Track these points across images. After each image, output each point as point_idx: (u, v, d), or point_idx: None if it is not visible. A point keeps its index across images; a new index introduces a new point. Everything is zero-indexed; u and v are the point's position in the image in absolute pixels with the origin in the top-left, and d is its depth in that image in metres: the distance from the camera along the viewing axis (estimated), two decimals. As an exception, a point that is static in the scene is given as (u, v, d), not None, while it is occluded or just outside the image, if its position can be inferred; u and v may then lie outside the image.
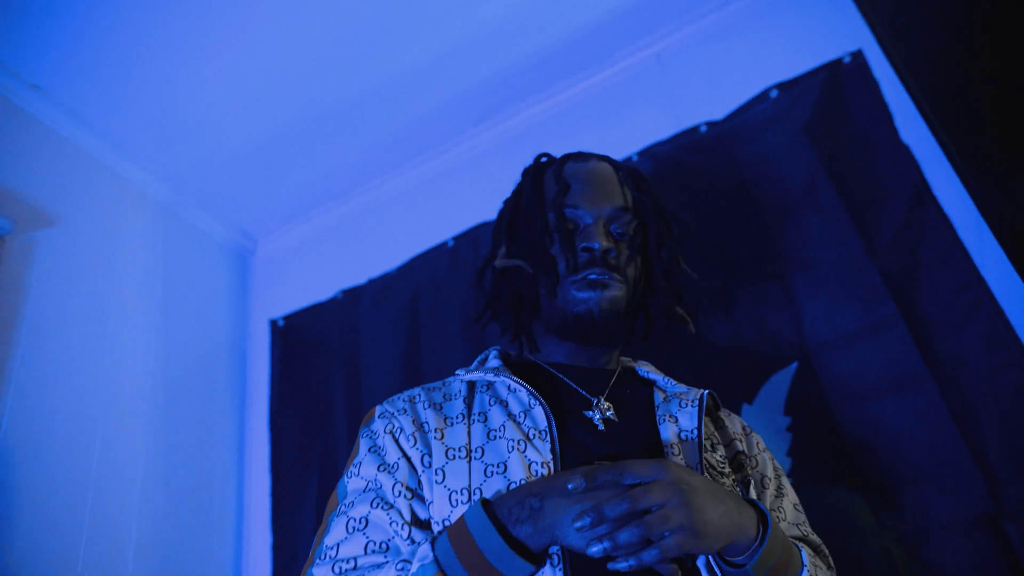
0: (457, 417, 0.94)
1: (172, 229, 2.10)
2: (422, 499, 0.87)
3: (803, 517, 1.00)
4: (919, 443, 1.28)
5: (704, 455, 0.90)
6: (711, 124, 1.71)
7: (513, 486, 0.83)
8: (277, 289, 2.30)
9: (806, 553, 0.85)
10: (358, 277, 2.12)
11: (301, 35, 1.75)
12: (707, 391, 0.99)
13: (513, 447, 0.87)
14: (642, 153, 1.77)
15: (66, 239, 1.73)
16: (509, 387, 0.96)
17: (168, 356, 1.93)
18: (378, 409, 0.98)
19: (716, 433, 1.01)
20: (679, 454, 0.90)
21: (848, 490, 1.31)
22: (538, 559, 0.76)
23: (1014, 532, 1.17)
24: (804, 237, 1.53)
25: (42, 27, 1.60)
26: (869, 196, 1.49)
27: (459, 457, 0.89)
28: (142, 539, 1.65)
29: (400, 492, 0.88)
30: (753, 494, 0.95)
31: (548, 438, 0.88)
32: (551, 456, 0.86)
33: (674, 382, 1.04)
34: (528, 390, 0.93)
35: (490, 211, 1.78)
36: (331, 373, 2.04)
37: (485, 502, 0.79)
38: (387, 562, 0.81)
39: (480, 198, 1.86)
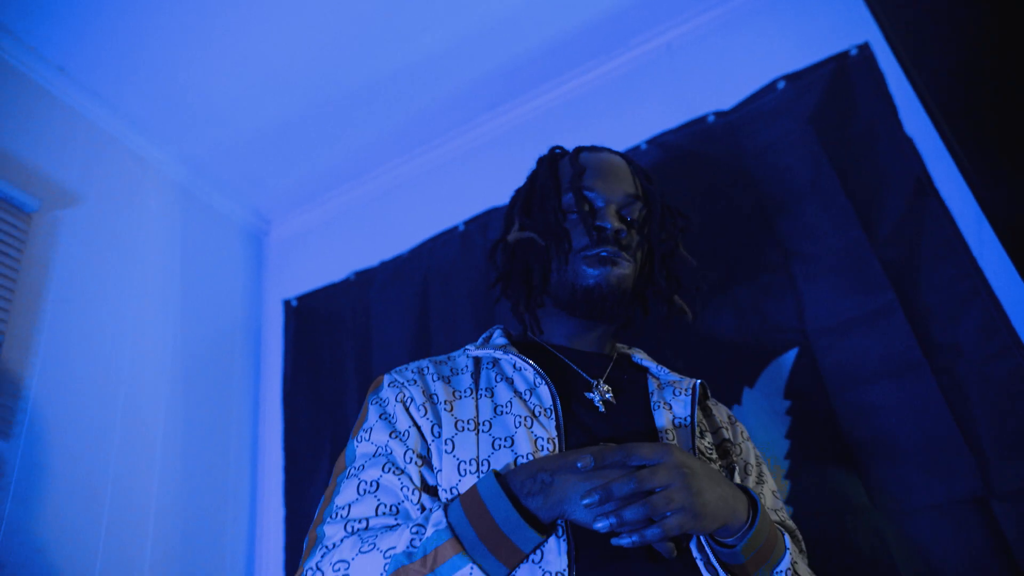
0: (465, 391, 0.98)
1: (190, 210, 2.16)
2: (431, 467, 0.91)
3: (780, 503, 1.05)
4: (914, 427, 1.32)
5: (696, 441, 0.96)
6: (719, 114, 1.74)
7: (520, 459, 0.87)
8: (291, 270, 2.35)
9: (788, 539, 0.90)
10: (370, 259, 2.16)
11: (318, 22, 1.79)
12: (699, 381, 1.05)
13: (520, 423, 0.91)
14: (651, 142, 1.80)
15: (89, 218, 1.78)
16: (515, 365, 1.00)
17: (186, 333, 1.99)
18: (386, 378, 1.01)
19: (704, 421, 1.06)
20: (673, 439, 0.95)
21: (844, 471, 1.35)
22: (546, 531, 0.80)
23: (1003, 513, 1.21)
24: (807, 226, 1.56)
25: (69, 11, 1.65)
26: (872, 187, 1.52)
27: (468, 429, 0.92)
28: (160, 508, 1.72)
29: (411, 459, 0.91)
30: (736, 480, 0.99)
31: (553, 416, 0.92)
32: (556, 433, 0.91)
33: (667, 370, 1.09)
34: (535, 369, 0.97)
35: (500, 197, 1.83)
36: (343, 352, 2.09)
37: (497, 474, 0.83)
38: (398, 524, 0.84)
39: (490, 184, 1.91)
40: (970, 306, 1.35)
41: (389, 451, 0.92)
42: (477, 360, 1.05)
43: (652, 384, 1.06)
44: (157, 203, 2.04)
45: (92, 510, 1.55)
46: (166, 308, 1.95)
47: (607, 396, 1.00)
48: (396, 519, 0.86)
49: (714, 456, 0.99)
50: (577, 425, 0.94)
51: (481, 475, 0.86)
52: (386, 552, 0.79)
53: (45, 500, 1.46)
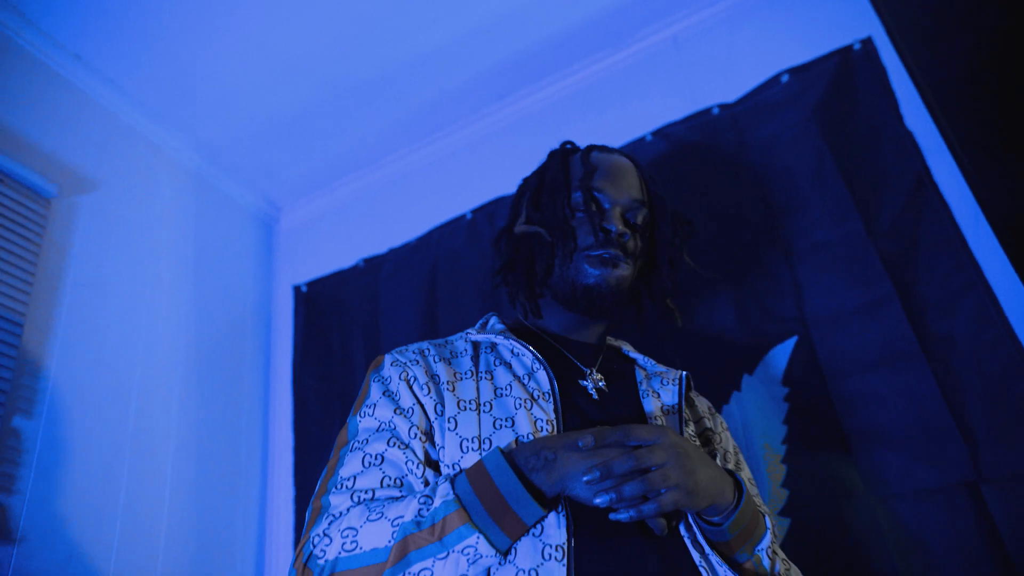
0: (466, 373, 1.03)
1: (203, 196, 2.20)
2: (433, 443, 0.95)
3: (755, 490, 1.10)
4: (908, 414, 1.36)
5: (683, 428, 1.01)
6: (723, 106, 1.77)
7: (521, 439, 0.91)
8: (300, 256, 2.39)
9: (769, 520, 0.96)
10: (379, 247, 2.20)
11: (330, 12, 1.81)
12: (685, 372, 1.11)
13: (520, 404, 0.96)
14: (656, 133, 1.83)
15: (105, 204, 1.82)
16: (513, 350, 1.05)
17: (199, 316, 2.04)
18: (388, 357, 1.04)
19: (688, 411, 1.12)
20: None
21: (839, 455, 1.39)
22: (548, 505, 0.85)
23: (992, 497, 1.25)
24: (808, 218, 1.59)
25: (86, 0, 1.68)
26: (872, 180, 1.55)
27: (470, 409, 0.97)
28: (175, 485, 1.77)
29: (415, 434, 0.94)
30: None
31: (551, 399, 0.97)
32: (554, 415, 0.95)
33: (653, 362, 1.16)
34: (533, 354, 1.02)
35: (507, 186, 1.86)
36: (351, 337, 2.13)
37: (502, 451, 0.87)
38: (404, 496, 0.87)
39: (498, 173, 1.94)
40: (965, 298, 1.39)
41: (393, 427, 0.95)
42: (476, 344, 1.09)
43: (640, 375, 1.12)
44: (170, 189, 2.08)
45: (110, 485, 1.60)
46: (179, 292, 2.00)
47: (600, 384, 1.05)
48: (400, 491, 0.89)
49: (697, 443, 1.05)
50: (573, 409, 0.99)
51: (483, 452, 0.90)
52: (394, 520, 0.83)
53: (66, 475, 1.51)
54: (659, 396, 1.06)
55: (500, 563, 0.83)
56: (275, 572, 1.93)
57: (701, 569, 0.88)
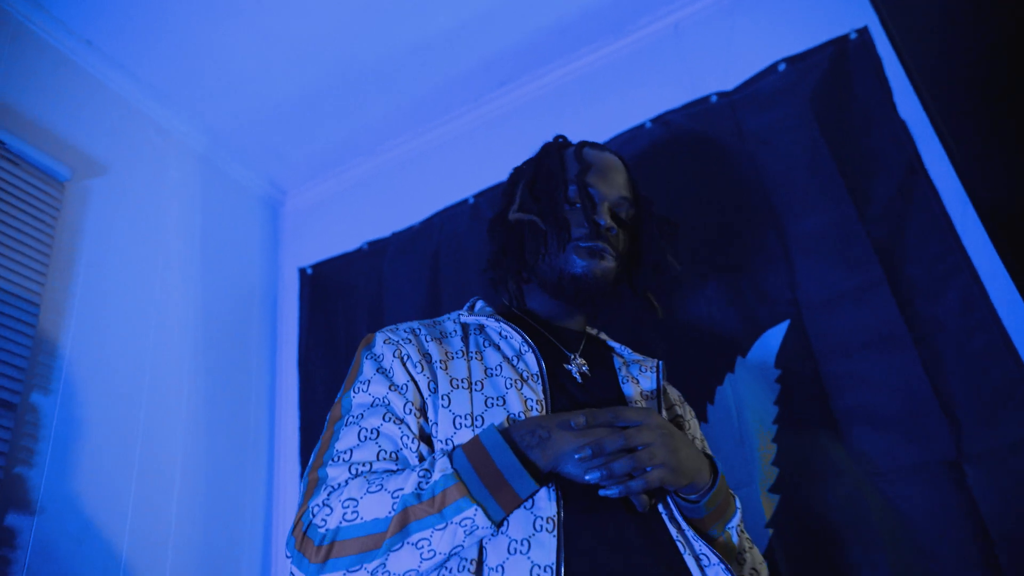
0: (457, 352, 1.07)
1: (210, 179, 2.24)
2: (426, 419, 0.99)
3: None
4: (894, 394, 1.40)
5: (661, 412, 1.08)
6: (721, 94, 1.80)
7: (512, 416, 0.96)
8: (306, 239, 2.43)
9: (738, 501, 1.05)
10: (383, 230, 2.24)
11: (336, -1, 1.85)
12: (660, 361, 1.17)
13: (511, 384, 1.00)
14: (655, 120, 1.87)
15: (116, 187, 1.87)
16: (501, 333, 1.10)
17: (207, 297, 2.09)
18: (379, 335, 1.07)
19: (662, 398, 1.18)
20: None
21: (827, 434, 1.44)
22: (541, 481, 0.89)
23: (972, 475, 1.30)
24: (803, 204, 1.63)
25: (97, -14, 1.72)
26: (865, 167, 1.59)
27: (462, 387, 1.00)
28: (186, 460, 1.83)
29: (411, 410, 0.97)
30: None
31: (540, 381, 1.02)
32: (543, 396, 1.00)
33: (630, 350, 1.22)
34: (522, 337, 1.07)
35: (509, 171, 1.90)
36: (356, 319, 2.18)
37: (498, 428, 0.92)
38: (401, 469, 0.90)
39: (501, 158, 1.95)
40: (952, 282, 1.43)
41: (388, 402, 0.97)
42: (465, 326, 1.14)
43: (618, 362, 1.18)
44: (179, 172, 2.12)
45: (124, 459, 1.66)
46: (188, 273, 2.05)
47: (583, 368, 1.11)
48: (396, 465, 0.92)
49: None
50: (561, 391, 1.04)
51: (476, 429, 0.95)
52: (394, 492, 0.86)
53: (82, 450, 1.57)
54: (638, 382, 1.13)
55: (493, 534, 0.87)
56: (282, 544, 2.00)
57: (678, 543, 0.95)
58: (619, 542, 0.91)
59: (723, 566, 0.94)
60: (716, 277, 1.67)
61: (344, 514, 0.86)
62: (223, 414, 2.00)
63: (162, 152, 2.07)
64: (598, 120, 1.97)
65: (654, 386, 1.13)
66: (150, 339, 1.84)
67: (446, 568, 0.87)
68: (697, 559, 0.94)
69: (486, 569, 0.86)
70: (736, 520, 1.03)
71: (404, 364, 1.02)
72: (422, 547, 0.84)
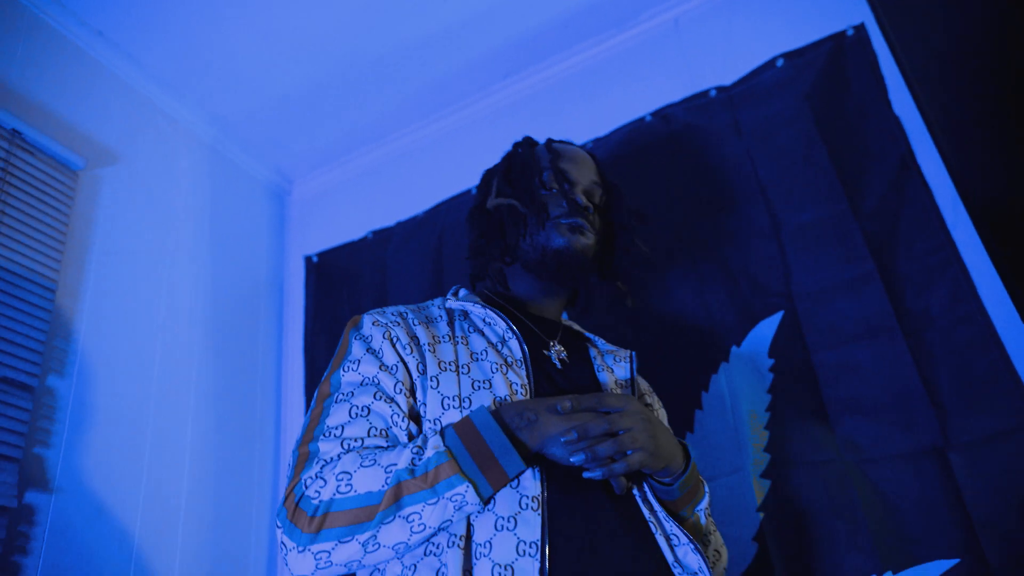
0: (444, 336, 1.10)
1: (218, 168, 2.28)
2: (415, 400, 1.02)
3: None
4: (883, 384, 1.44)
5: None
6: (720, 89, 1.83)
7: (498, 399, 1.00)
8: (311, 228, 2.47)
9: (707, 487, 1.12)
10: (387, 219, 2.28)
11: (343, -8, 1.88)
12: (634, 352, 1.24)
13: (496, 368, 1.05)
14: (655, 114, 1.90)
15: (127, 176, 1.91)
16: (485, 319, 1.14)
17: (215, 284, 2.13)
18: (366, 317, 1.10)
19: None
20: None
21: (818, 422, 1.48)
22: (528, 461, 0.94)
23: (957, 462, 1.34)
24: (798, 197, 1.66)
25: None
26: (859, 162, 1.62)
27: (450, 370, 1.04)
28: (196, 442, 1.88)
29: (401, 390, 1.01)
30: None
31: (523, 366, 1.07)
32: (527, 380, 1.05)
33: (603, 341, 1.28)
34: (506, 323, 1.11)
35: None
36: (361, 307, 2.20)
37: (488, 409, 0.96)
38: (392, 446, 0.94)
39: (504, 148, 1.99)
40: (942, 276, 1.47)
41: (378, 382, 1.00)
42: (450, 311, 1.18)
43: (593, 351, 1.24)
44: (187, 162, 2.16)
45: (136, 440, 1.72)
46: (197, 260, 2.09)
47: (562, 356, 1.16)
48: (386, 442, 0.96)
49: None
50: (543, 376, 1.09)
51: (464, 411, 0.99)
52: (387, 467, 0.89)
53: (95, 431, 1.62)
54: (612, 371, 1.19)
55: (480, 511, 0.92)
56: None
57: (650, 523, 1.01)
58: (598, 521, 0.96)
59: (692, 545, 1.00)
60: (712, 269, 1.71)
61: (338, 487, 0.89)
62: (231, 397, 2.06)
63: (172, 142, 2.11)
64: (599, 113, 2.00)
65: (628, 375, 1.19)
66: (160, 323, 1.89)
67: (435, 543, 0.92)
68: (668, 538, 1.00)
69: (474, 545, 0.91)
70: (704, 503, 1.09)
71: (394, 345, 1.05)
72: (413, 520, 0.88)
